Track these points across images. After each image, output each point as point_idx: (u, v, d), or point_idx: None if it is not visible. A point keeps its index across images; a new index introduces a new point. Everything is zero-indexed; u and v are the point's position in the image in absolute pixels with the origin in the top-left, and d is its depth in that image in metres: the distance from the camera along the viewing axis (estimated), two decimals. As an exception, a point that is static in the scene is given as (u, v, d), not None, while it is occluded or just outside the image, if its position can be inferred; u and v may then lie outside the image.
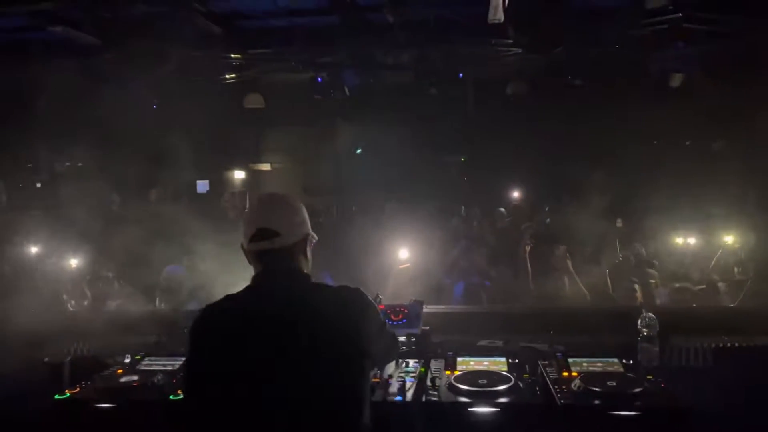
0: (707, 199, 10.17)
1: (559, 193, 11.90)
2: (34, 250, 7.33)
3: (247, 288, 2.02)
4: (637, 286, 5.05)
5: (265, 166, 15.12)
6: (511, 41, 6.36)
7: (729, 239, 5.70)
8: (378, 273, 5.43)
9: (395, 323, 2.98)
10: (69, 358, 2.86)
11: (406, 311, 3.04)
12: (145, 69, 5.98)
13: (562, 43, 5.21)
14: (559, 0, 4.97)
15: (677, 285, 4.88)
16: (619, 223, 7.46)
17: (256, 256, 2.05)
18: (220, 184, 14.68)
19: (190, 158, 12.24)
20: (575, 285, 5.09)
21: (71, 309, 4.89)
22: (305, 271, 2.09)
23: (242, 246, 2.09)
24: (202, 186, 14.19)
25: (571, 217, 9.77)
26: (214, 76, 8.18)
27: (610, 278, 5.31)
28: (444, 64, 7.68)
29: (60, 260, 6.50)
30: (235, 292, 2.01)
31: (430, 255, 5.83)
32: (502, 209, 11.31)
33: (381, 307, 2.97)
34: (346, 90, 7.94)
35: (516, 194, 12.99)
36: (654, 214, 9.41)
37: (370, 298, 2.06)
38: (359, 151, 7.53)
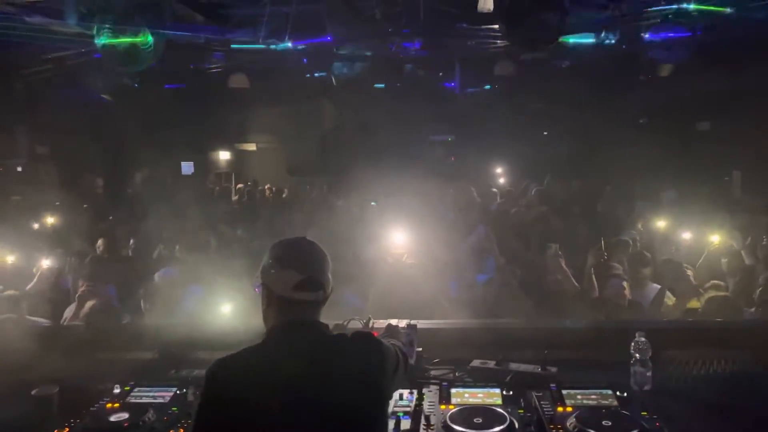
0: (692, 183, 10.24)
1: (542, 174, 11.89)
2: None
3: (269, 340, 1.99)
4: (625, 283, 5.03)
5: (251, 147, 14.97)
6: (500, 33, 6.25)
7: (715, 239, 5.69)
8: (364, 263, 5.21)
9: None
10: (57, 390, 2.81)
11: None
12: (128, 63, 5.77)
13: (556, 39, 5.11)
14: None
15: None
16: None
17: (288, 304, 2.00)
18: (205, 165, 14.57)
19: (175, 140, 12.13)
20: (570, 284, 5.06)
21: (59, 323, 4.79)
22: (323, 322, 2.09)
23: (268, 287, 2.04)
24: (187, 167, 14.02)
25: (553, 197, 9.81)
26: (199, 63, 7.97)
27: (595, 276, 5.22)
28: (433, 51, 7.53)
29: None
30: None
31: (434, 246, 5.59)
32: (495, 189, 11.28)
33: (375, 334, 2.93)
34: (333, 80, 7.79)
35: (500, 175, 12.94)
36: (636, 199, 9.45)
37: (383, 343, 2.10)
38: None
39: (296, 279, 1.98)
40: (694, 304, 4.85)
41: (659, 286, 5.26)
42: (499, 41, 6.79)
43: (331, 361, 1.93)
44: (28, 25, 6.30)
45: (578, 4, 5.90)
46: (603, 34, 6.93)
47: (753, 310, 4.54)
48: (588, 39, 7.28)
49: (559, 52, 8.16)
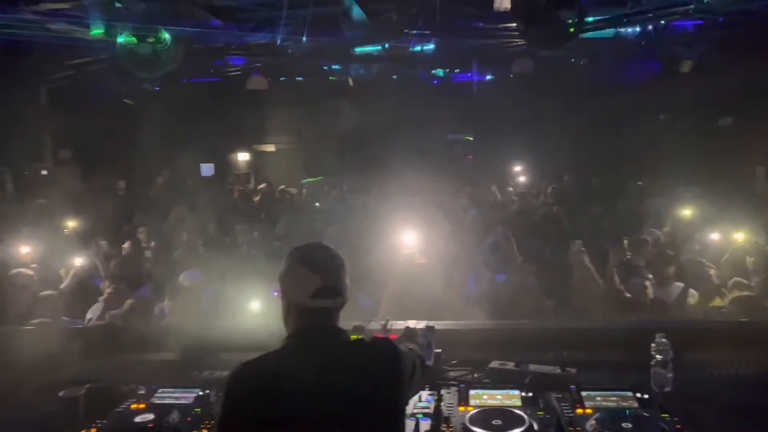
0: (715, 179, 10.10)
1: (561, 173, 11.80)
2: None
3: (288, 346, 2.02)
4: (647, 282, 4.99)
5: (270, 147, 15.07)
6: (517, 32, 6.22)
7: (740, 236, 5.60)
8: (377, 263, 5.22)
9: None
10: (83, 391, 2.87)
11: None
12: (149, 68, 5.85)
13: (574, 38, 5.07)
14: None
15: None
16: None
17: (307, 311, 2.02)
18: (224, 166, 14.73)
19: (194, 142, 12.25)
20: (593, 281, 5.03)
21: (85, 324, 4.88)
22: (342, 327, 2.10)
23: (286, 294, 2.06)
24: (207, 169, 14.16)
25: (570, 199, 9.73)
26: (218, 69, 8.05)
27: (617, 275, 5.18)
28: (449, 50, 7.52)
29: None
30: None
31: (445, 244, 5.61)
32: (510, 188, 11.23)
33: (393, 336, 2.94)
34: (350, 81, 7.82)
35: (519, 173, 12.84)
36: (657, 197, 9.34)
37: (400, 348, 2.12)
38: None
39: (314, 287, 2.00)
40: (717, 302, 4.79)
41: (683, 285, 5.21)
42: (516, 40, 6.76)
43: (350, 367, 1.96)
44: (52, 32, 6.44)
45: (597, 1, 5.86)
46: (622, 30, 6.86)
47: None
48: (607, 34, 7.21)
49: (577, 49, 8.10)
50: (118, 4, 5.58)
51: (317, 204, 9.58)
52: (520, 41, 6.76)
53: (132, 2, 5.87)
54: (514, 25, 6.64)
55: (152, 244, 7.78)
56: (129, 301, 4.91)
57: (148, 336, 3.92)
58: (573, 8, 4.94)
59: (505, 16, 6.34)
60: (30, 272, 5.54)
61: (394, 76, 10.52)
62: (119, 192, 11.83)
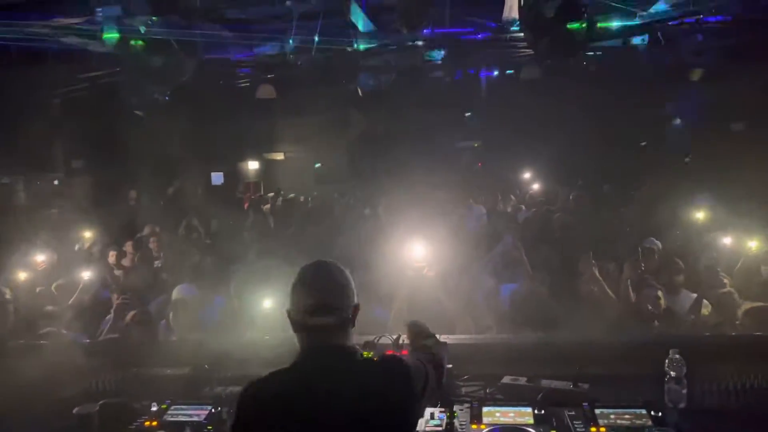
0: (728, 185, 10.01)
1: (574, 179, 11.75)
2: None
3: (296, 365, 2.01)
4: (660, 293, 4.94)
5: (279, 156, 15.16)
6: (524, 42, 6.23)
7: (753, 244, 5.52)
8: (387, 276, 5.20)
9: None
10: (98, 408, 2.89)
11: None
12: (162, 82, 5.91)
13: (583, 48, 5.06)
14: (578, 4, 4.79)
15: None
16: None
17: (308, 328, 2.01)
18: (234, 174, 14.81)
19: (204, 151, 12.32)
20: (604, 293, 4.99)
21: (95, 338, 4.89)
22: (351, 345, 2.07)
23: (289, 314, 2.05)
24: (217, 177, 14.24)
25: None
26: (228, 80, 8.11)
27: (631, 287, 5.13)
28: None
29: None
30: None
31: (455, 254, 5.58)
32: (513, 197, 11.17)
33: (404, 352, 2.94)
34: (360, 91, 7.85)
35: (530, 180, 12.78)
36: (670, 204, 9.26)
37: (411, 366, 2.08)
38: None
39: (307, 304, 1.99)
40: (730, 314, 4.73)
41: (694, 295, 5.15)
42: (525, 49, 6.77)
43: (358, 387, 1.94)
44: (64, 44, 6.51)
45: (605, 11, 5.85)
46: (632, 39, 6.86)
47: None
48: (616, 42, 7.19)
49: (588, 57, 8.08)
50: (129, 21, 5.63)
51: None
52: (529, 50, 6.76)
53: (143, 15, 5.93)
54: (522, 34, 6.66)
55: (161, 254, 7.80)
56: (131, 313, 4.85)
57: (158, 351, 3.93)
58: (581, 19, 4.92)
59: (513, 25, 6.34)
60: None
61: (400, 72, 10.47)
62: (130, 201, 11.90)
